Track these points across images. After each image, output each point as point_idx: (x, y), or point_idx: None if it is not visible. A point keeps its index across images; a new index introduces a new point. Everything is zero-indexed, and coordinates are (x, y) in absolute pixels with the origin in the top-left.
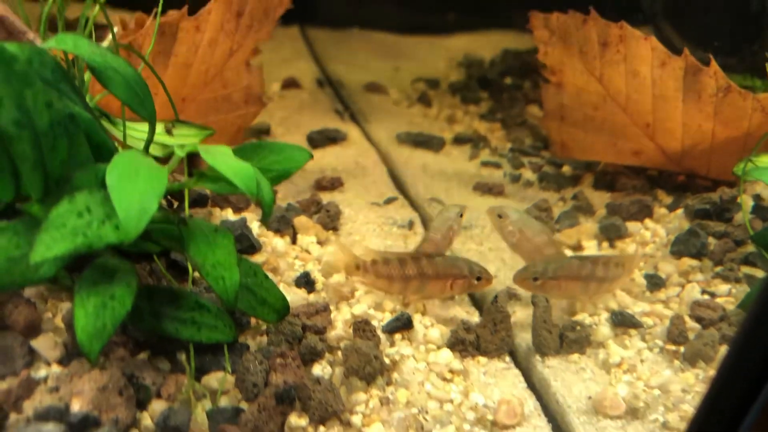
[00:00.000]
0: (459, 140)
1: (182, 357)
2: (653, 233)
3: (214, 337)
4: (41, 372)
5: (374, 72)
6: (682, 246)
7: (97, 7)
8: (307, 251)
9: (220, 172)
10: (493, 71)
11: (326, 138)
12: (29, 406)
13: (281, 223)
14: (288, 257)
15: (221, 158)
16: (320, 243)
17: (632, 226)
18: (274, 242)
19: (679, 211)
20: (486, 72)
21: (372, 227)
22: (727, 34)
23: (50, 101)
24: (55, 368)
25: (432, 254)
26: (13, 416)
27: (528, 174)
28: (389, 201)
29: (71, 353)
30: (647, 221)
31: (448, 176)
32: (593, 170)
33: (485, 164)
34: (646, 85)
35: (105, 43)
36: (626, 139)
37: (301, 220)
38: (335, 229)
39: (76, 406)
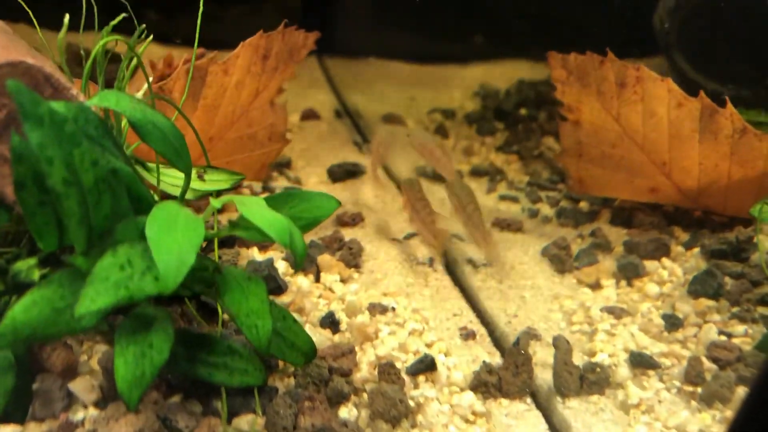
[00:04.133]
0: (476, 172)
1: (214, 400)
2: (670, 272)
3: (245, 381)
4: (79, 415)
5: (391, 102)
6: (699, 286)
7: (135, 60)
8: (331, 290)
9: (256, 224)
10: (508, 102)
11: (346, 171)
12: None
13: (305, 262)
14: (312, 296)
15: (256, 210)
16: (343, 281)
17: (650, 264)
18: (298, 281)
19: (696, 250)
20: (501, 103)
21: (393, 264)
22: (743, 68)
23: (96, 159)
24: (92, 411)
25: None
26: None
27: (545, 209)
28: (409, 236)
29: (107, 396)
30: (664, 260)
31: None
32: (610, 205)
33: (503, 198)
34: (662, 125)
35: (140, 93)
36: (643, 176)
37: (324, 258)
38: (357, 266)
39: None
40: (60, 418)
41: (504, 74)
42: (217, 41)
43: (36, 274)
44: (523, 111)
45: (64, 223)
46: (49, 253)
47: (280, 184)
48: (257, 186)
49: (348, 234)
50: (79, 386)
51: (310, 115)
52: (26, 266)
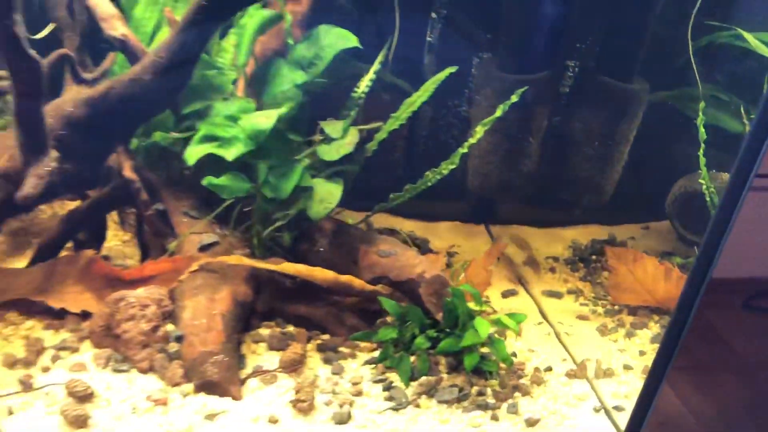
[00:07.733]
0: (569, 293)
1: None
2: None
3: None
4: None
5: (526, 253)
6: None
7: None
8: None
9: (507, 324)
10: (587, 253)
11: (509, 293)
12: None
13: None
14: None
15: (506, 318)
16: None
17: (638, 323)
18: None
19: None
20: (583, 253)
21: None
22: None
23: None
24: None
25: None
26: None
27: (599, 309)
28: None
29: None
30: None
31: (566, 314)
32: (627, 306)
33: (581, 305)
34: (649, 276)
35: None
36: (641, 294)
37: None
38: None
39: None
40: None
41: (586, 234)
42: (428, 215)
43: None
44: (593, 257)
45: None
46: None
47: None
48: None
49: None
50: None
51: None
52: None
